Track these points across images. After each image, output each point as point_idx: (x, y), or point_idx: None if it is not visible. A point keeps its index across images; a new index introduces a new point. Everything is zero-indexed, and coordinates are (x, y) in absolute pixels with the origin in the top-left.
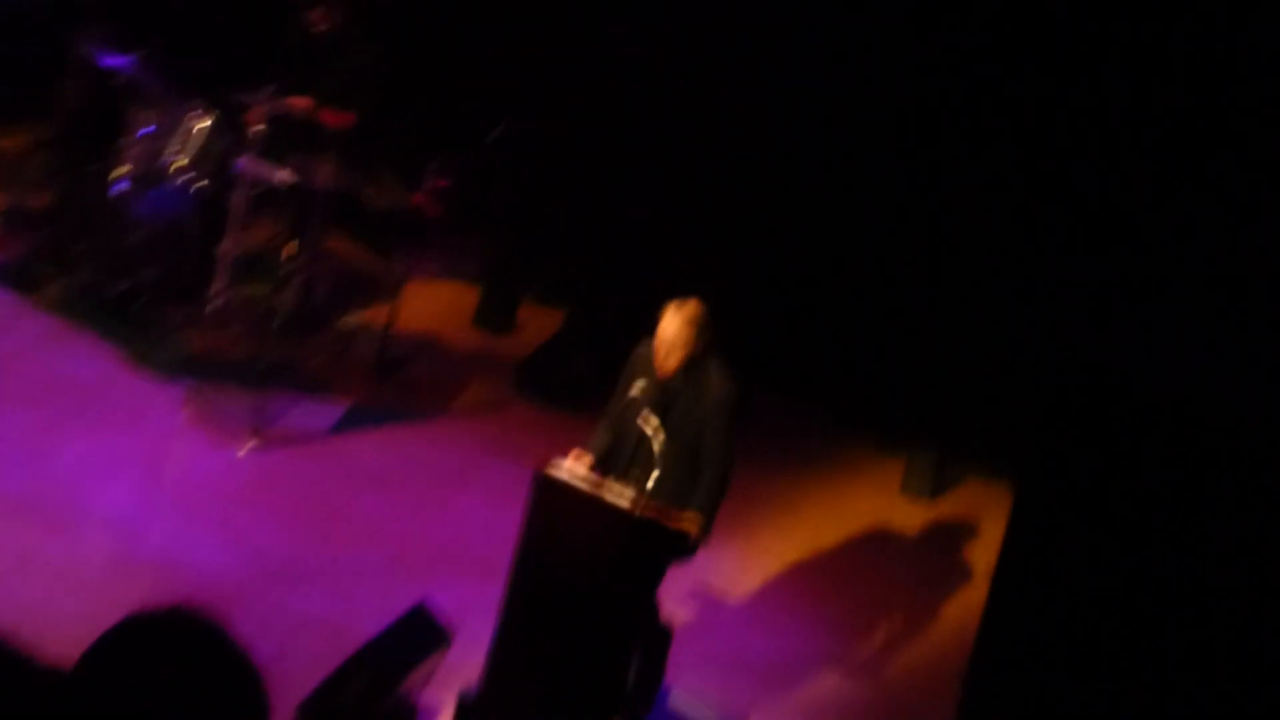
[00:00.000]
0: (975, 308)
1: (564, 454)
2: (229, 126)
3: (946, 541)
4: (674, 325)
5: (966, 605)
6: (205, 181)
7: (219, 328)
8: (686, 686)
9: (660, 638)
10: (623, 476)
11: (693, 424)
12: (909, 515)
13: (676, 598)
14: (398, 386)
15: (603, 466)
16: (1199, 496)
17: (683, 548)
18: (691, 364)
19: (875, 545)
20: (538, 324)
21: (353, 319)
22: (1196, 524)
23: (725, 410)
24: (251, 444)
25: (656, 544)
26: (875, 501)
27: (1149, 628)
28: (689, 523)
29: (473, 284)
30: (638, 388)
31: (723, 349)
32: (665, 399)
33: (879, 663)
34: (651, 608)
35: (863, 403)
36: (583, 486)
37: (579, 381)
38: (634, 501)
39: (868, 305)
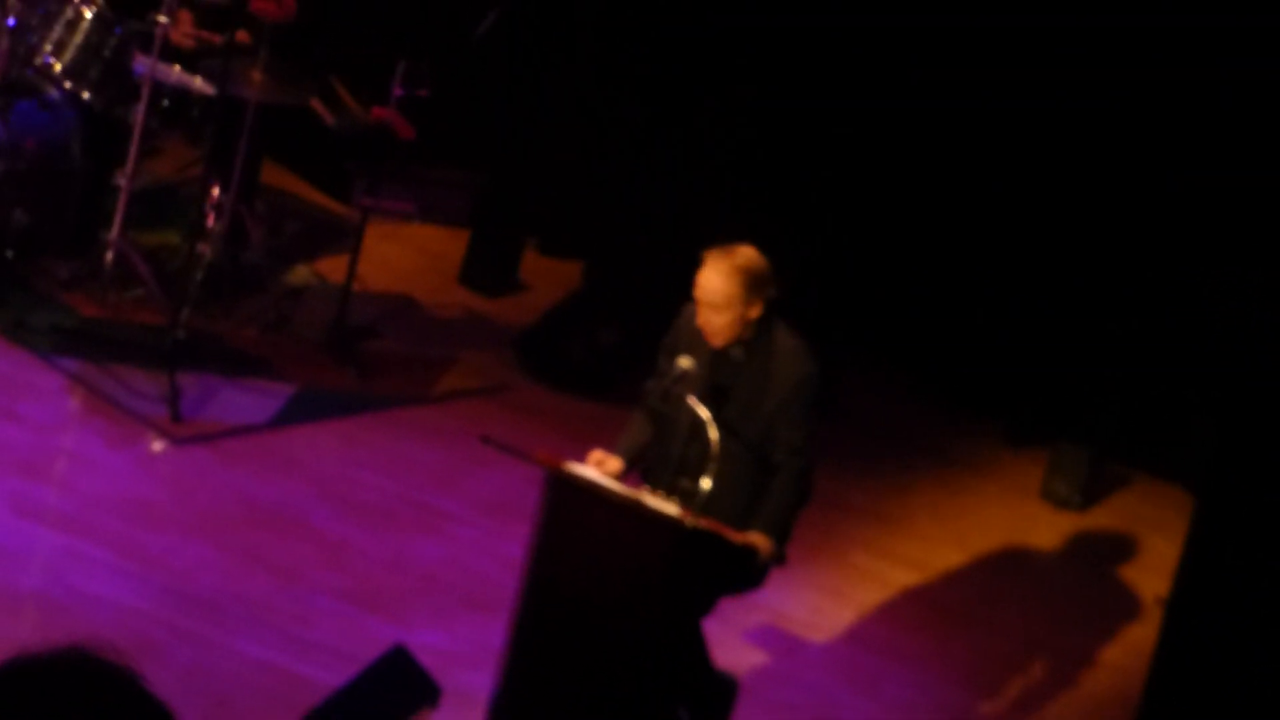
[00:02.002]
0: (1136, 257)
1: (580, 456)
2: (124, 16)
3: (1103, 562)
4: (717, 279)
5: (1131, 647)
6: (91, 91)
7: (116, 288)
8: None
9: (720, 691)
10: (666, 485)
11: (759, 415)
12: (1053, 528)
13: (743, 638)
14: (360, 365)
15: (638, 472)
16: None
17: (747, 571)
18: (753, 334)
19: (1009, 568)
20: (545, 282)
21: (298, 276)
22: None
23: (801, 395)
24: (164, 442)
25: (713, 566)
26: (1008, 511)
27: None
28: (756, 540)
29: (459, 229)
30: (684, 365)
31: (793, 316)
32: (721, 381)
33: None
34: (703, 650)
35: (989, 382)
36: (612, 490)
37: (600, 358)
38: (682, 511)
39: (993, 249)
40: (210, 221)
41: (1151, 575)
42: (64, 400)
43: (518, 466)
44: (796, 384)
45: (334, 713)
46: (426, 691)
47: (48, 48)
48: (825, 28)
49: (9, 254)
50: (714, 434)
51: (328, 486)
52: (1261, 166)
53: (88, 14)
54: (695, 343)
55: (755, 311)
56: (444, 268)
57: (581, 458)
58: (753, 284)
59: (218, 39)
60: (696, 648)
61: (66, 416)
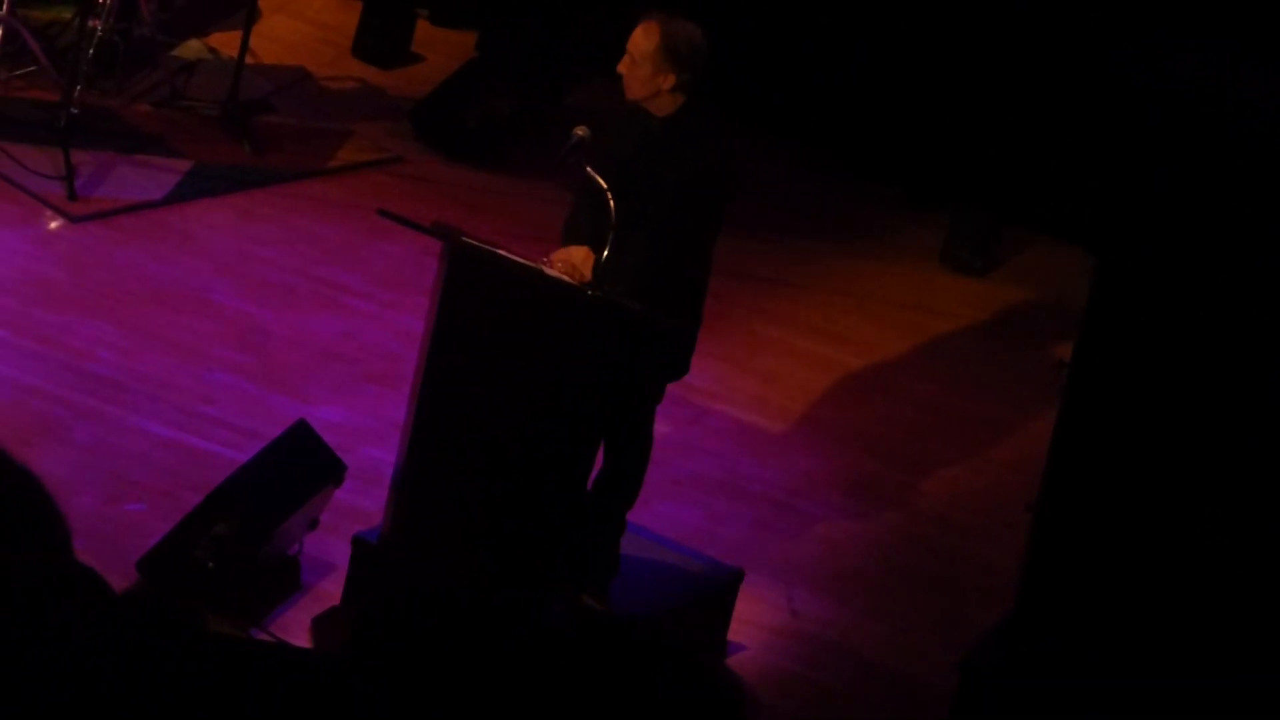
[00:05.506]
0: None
1: (476, 226)
2: None
3: (1004, 327)
4: (640, 33)
5: (1033, 410)
6: None
7: (7, 65)
8: (653, 517)
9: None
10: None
11: (664, 193)
12: (953, 293)
13: None
14: (255, 139)
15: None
16: None
17: (658, 349)
18: (674, 111)
19: (911, 333)
20: (438, 53)
21: (190, 50)
22: None
23: (704, 183)
24: (60, 220)
25: (620, 341)
26: (910, 276)
27: None
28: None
29: (351, 0)
30: (579, 133)
31: (718, 95)
32: (646, 157)
33: (913, 490)
34: (635, 438)
35: (888, 148)
36: (512, 261)
37: (495, 128)
38: (583, 282)
39: (885, 11)
40: None
41: (1052, 339)
42: None
43: (415, 238)
44: (702, 172)
45: (240, 489)
46: (331, 468)
47: None
48: None
49: None
50: (611, 203)
51: (225, 262)
52: None
53: None
54: (631, 120)
55: (668, 82)
56: (337, 39)
57: (477, 228)
58: (670, 48)
59: None
60: (636, 437)
61: None
